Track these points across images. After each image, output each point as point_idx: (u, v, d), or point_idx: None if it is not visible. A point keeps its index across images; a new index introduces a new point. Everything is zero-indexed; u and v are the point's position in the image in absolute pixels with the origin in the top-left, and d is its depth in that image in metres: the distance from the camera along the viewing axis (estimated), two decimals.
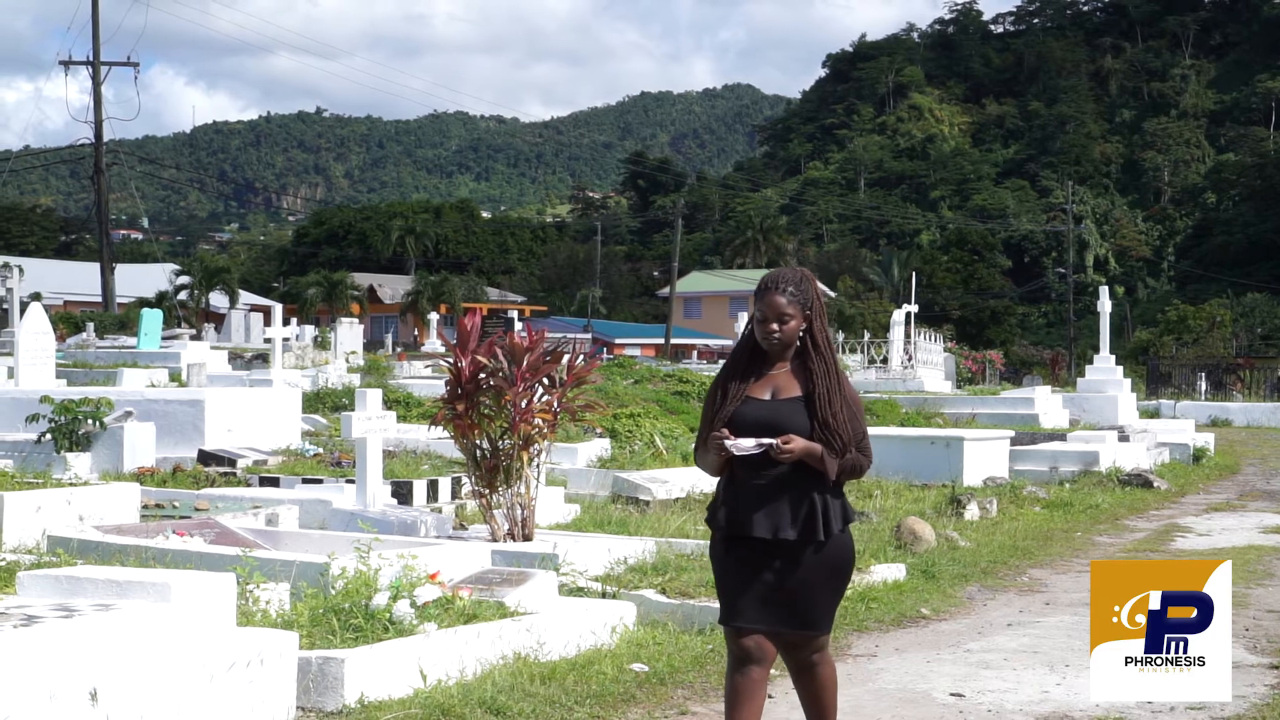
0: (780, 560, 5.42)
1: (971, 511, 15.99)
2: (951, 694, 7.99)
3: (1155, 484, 20.66)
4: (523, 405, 10.91)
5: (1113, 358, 34.46)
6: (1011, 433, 22.93)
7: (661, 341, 78.09)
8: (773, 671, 6.28)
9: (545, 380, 11.18)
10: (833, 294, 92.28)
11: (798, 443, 5.33)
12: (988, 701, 7.84)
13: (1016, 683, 8.29)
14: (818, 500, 5.41)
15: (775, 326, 5.49)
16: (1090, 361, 35.62)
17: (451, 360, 11.39)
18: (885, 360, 43.94)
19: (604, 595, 9.55)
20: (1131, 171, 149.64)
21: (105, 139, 60.29)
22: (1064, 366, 66.43)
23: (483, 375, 11.02)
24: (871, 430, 22.68)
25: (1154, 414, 36.66)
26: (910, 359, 42.45)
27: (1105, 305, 33.74)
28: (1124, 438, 24.89)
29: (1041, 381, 45.93)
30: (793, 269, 5.68)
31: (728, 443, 5.35)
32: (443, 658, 7.43)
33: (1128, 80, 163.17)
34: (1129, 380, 34.75)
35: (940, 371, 43.10)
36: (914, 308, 45.98)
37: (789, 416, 5.42)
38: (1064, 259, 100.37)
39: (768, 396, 5.51)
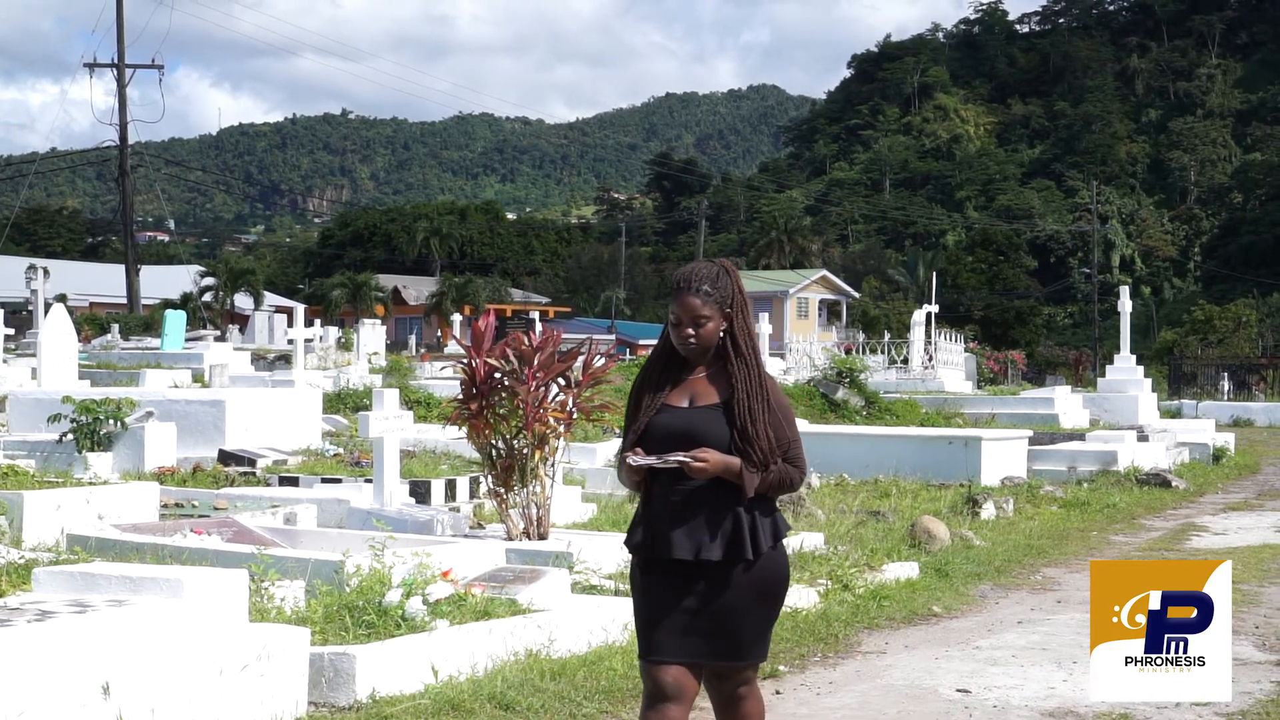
0: (704, 584, 4.84)
1: (988, 511, 16.03)
2: (958, 690, 8.05)
3: (1173, 483, 20.66)
4: (535, 405, 10.98)
5: (1134, 358, 34.49)
6: (1030, 432, 22.98)
7: None
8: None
9: (561, 380, 11.25)
10: (857, 294, 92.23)
11: (713, 457, 4.79)
12: (994, 697, 7.90)
13: (1023, 679, 8.35)
14: (744, 516, 4.84)
15: (690, 331, 4.92)
16: (1113, 362, 35.64)
17: (466, 361, 11.48)
18: (906, 360, 43.87)
19: (616, 593, 9.62)
20: (1157, 171, 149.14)
21: (130, 141, 60.75)
22: (1088, 367, 66.23)
23: (498, 375, 11.10)
24: (890, 430, 23.09)
25: (1175, 414, 36.63)
26: (930, 359, 42.34)
27: (1126, 305, 33.82)
28: (1143, 437, 24.88)
29: (1064, 382, 45.89)
30: (709, 262, 5.05)
31: (630, 459, 4.85)
32: (454, 654, 7.51)
33: (1154, 80, 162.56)
34: (1149, 380, 34.75)
35: (961, 371, 43.04)
36: (935, 308, 45.87)
37: (705, 425, 4.86)
38: (1089, 259, 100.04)
39: (685, 404, 4.94)
